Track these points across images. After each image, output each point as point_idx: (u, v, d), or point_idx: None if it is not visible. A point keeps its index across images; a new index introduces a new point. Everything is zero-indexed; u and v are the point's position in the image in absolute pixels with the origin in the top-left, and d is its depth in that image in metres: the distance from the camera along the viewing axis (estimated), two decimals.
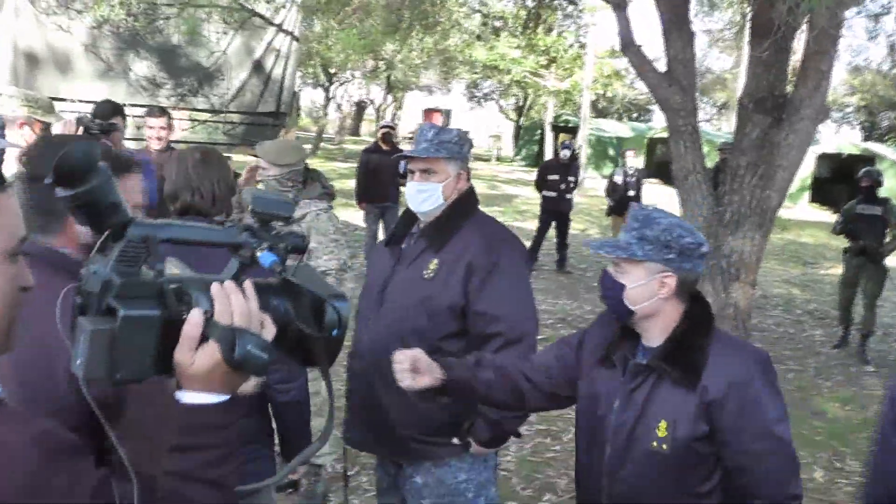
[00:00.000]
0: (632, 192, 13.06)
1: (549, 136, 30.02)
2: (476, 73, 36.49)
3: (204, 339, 1.28)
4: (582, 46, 28.23)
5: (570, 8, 30.86)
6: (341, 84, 43.81)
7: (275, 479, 1.43)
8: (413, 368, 2.52)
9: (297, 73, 9.97)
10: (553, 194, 12.61)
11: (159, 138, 5.99)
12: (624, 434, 2.43)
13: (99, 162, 1.22)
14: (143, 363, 1.26)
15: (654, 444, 2.36)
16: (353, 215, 12.97)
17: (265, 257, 1.36)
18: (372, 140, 14.45)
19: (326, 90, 41.82)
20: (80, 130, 4.74)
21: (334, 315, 1.37)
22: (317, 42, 28.56)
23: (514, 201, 20.73)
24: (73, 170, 1.19)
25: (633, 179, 13.24)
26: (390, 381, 2.84)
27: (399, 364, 2.54)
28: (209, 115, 9.29)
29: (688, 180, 5.55)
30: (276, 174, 4.24)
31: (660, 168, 24.56)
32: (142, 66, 8.72)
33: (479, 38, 23.84)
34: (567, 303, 10.56)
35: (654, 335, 2.43)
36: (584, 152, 25.84)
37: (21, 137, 4.26)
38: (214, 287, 1.31)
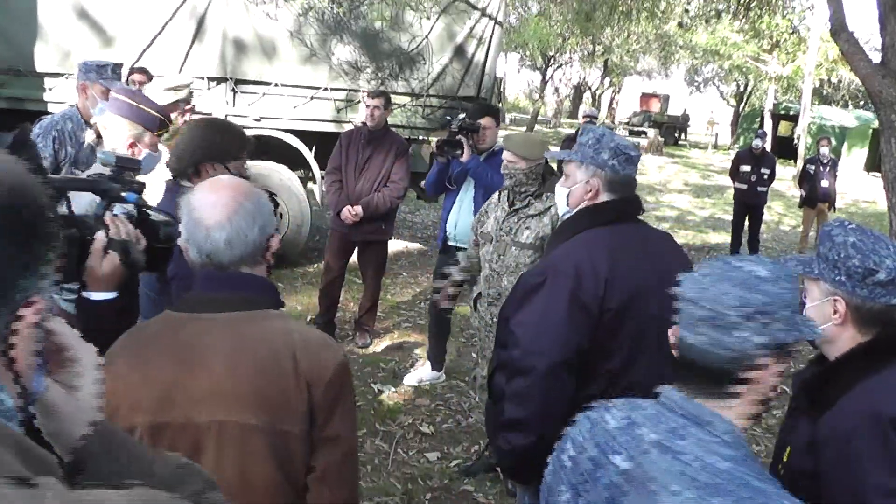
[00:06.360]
0: (824, 183, 12.60)
1: (768, 123, 28.55)
2: (696, 57, 35.31)
3: (105, 251, 1.99)
4: (807, 29, 26.41)
5: None
6: (559, 67, 43.57)
7: None
8: None
9: (499, 59, 9.82)
10: (744, 186, 12.21)
11: (373, 116, 6.44)
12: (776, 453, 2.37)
13: (30, 139, 1.63)
14: (70, 270, 1.92)
15: (780, 467, 2.26)
16: None
17: (129, 196, 2.11)
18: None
19: (543, 73, 41.75)
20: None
21: (168, 232, 2.15)
22: (533, 24, 28.62)
23: (727, 193, 19.69)
24: (15, 143, 1.57)
25: (827, 170, 12.66)
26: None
27: None
28: (408, 98, 9.39)
29: None
30: (524, 167, 4.36)
31: None
32: (344, 51, 8.88)
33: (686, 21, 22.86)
34: None
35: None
36: (804, 141, 24.35)
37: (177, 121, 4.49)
38: (107, 217, 2.03)
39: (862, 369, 2.13)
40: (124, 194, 2.05)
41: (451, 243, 5.87)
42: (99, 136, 3.55)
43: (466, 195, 5.75)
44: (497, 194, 4.68)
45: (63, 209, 1.96)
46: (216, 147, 2.98)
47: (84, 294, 2.02)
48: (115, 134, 3.33)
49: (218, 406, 1.81)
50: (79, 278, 1.99)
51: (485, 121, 5.56)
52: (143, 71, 6.63)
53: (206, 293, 1.92)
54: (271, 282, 2.02)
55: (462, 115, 5.68)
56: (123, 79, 5.76)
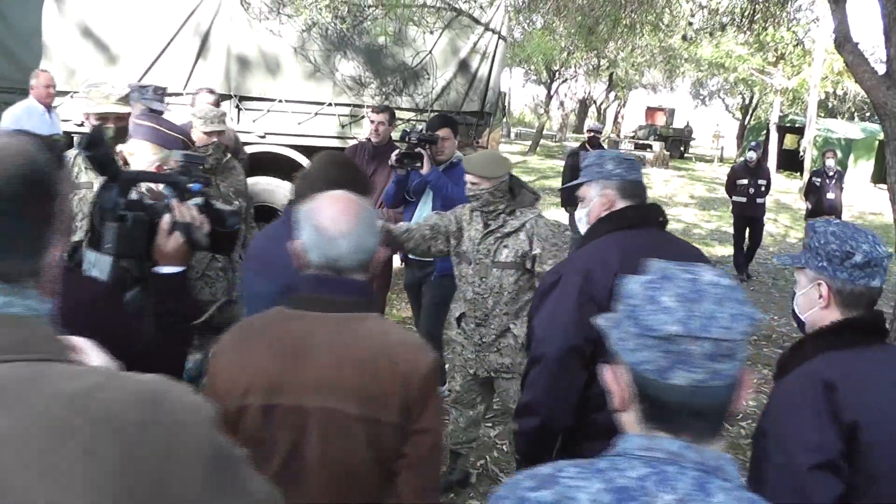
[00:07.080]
0: (830, 195, 12.59)
1: (774, 136, 28.49)
2: (701, 70, 35.31)
3: (171, 231, 2.35)
4: (812, 41, 26.36)
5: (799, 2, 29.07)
6: (564, 81, 43.59)
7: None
8: None
9: (503, 73, 9.83)
10: (742, 199, 12.31)
11: (377, 131, 6.47)
12: None
13: (105, 138, 2.31)
14: (141, 247, 2.32)
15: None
16: (560, 215, 12.84)
17: (194, 186, 2.51)
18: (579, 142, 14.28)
19: (548, 87, 41.77)
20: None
21: (232, 220, 2.56)
22: (537, 37, 28.68)
23: None
24: (91, 142, 2.25)
25: (833, 182, 12.67)
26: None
27: None
28: (413, 113, 9.40)
29: None
30: (488, 187, 4.29)
31: None
32: (348, 67, 8.90)
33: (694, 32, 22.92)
34: (775, 318, 9.87)
35: None
36: (810, 154, 24.27)
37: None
38: (172, 202, 2.39)
39: (831, 345, 2.23)
40: (190, 185, 2.48)
41: (411, 255, 5.89)
42: (125, 163, 3.56)
43: (425, 207, 5.72)
44: (468, 211, 4.54)
45: (134, 197, 2.36)
46: (335, 182, 3.08)
47: (154, 269, 2.36)
48: (142, 159, 3.36)
49: (324, 394, 2.02)
50: (148, 255, 2.34)
51: (443, 132, 5.56)
52: (212, 91, 6.90)
53: (316, 294, 2.11)
54: (371, 289, 2.23)
55: (420, 128, 5.69)
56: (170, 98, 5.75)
